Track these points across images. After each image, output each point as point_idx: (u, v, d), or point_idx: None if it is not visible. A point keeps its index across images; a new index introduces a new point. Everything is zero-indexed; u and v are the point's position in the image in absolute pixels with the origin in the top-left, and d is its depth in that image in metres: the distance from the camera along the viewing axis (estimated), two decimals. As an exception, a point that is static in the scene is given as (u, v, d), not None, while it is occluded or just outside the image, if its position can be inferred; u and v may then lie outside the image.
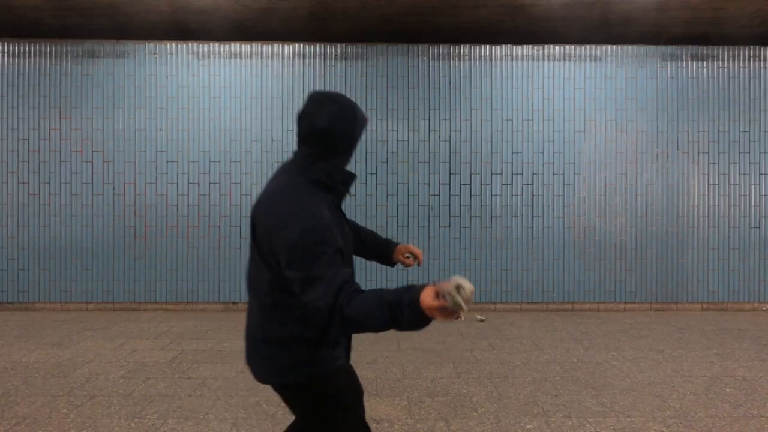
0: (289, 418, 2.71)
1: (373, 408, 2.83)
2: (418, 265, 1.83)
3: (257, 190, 5.58)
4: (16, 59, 5.54)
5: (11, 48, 5.53)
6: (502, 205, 5.64)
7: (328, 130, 1.40)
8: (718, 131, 5.70)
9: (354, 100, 5.60)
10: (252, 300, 1.50)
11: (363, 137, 5.61)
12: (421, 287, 1.19)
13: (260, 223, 1.41)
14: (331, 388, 1.46)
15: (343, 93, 5.66)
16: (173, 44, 5.59)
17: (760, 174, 5.69)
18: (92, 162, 5.54)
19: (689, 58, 5.70)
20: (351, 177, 1.50)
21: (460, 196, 5.63)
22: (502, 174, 5.66)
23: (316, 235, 1.30)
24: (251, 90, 5.61)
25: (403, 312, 1.18)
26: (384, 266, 5.47)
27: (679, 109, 5.69)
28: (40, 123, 5.53)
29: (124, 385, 3.18)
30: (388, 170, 5.60)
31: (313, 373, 1.43)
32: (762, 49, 5.71)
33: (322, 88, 5.62)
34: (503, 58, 5.68)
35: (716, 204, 5.68)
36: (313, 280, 1.27)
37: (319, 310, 1.26)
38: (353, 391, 1.54)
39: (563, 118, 5.67)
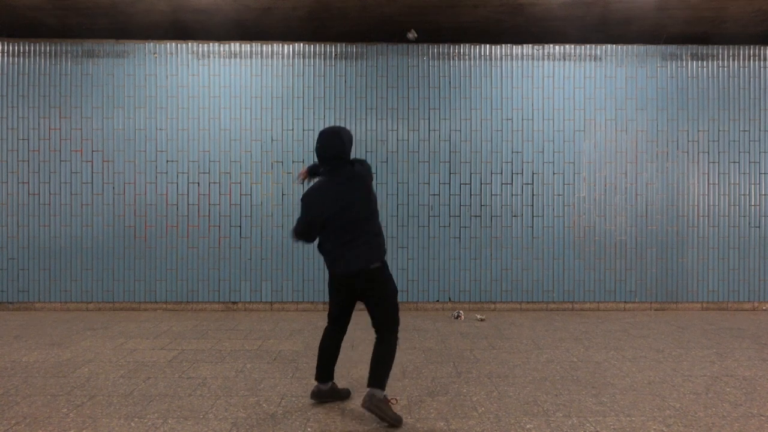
0: (289, 417, 2.71)
1: (373, 407, 2.83)
2: None
3: (257, 189, 5.58)
4: (16, 59, 5.54)
5: (11, 48, 5.53)
6: (502, 205, 5.64)
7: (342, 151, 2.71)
8: (718, 131, 5.70)
9: (354, 99, 5.61)
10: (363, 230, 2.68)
11: (363, 137, 5.62)
12: None
13: (359, 192, 2.67)
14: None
15: (343, 93, 5.70)
16: (173, 44, 5.59)
17: (760, 173, 5.69)
18: (92, 162, 5.54)
19: (689, 58, 5.69)
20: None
21: (460, 195, 5.63)
22: (502, 173, 5.66)
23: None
24: (251, 90, 5.61)
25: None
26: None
27: (679, 109, 5.69)
28: (39, 123, 5.53)
29: (124, 385, 3.18)
30: (388, 170, 5.60)
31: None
32: (762, 48, 5.71)
33: (322, 88, 5.62)
34: (503, 57, 5.68)
35: (716, 203, 5.68)
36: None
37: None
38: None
39: (563, 117, 5.67)
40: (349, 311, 2.82)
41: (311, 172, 2.91)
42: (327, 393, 2.86)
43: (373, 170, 5.58)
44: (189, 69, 5.59)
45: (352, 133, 5.61)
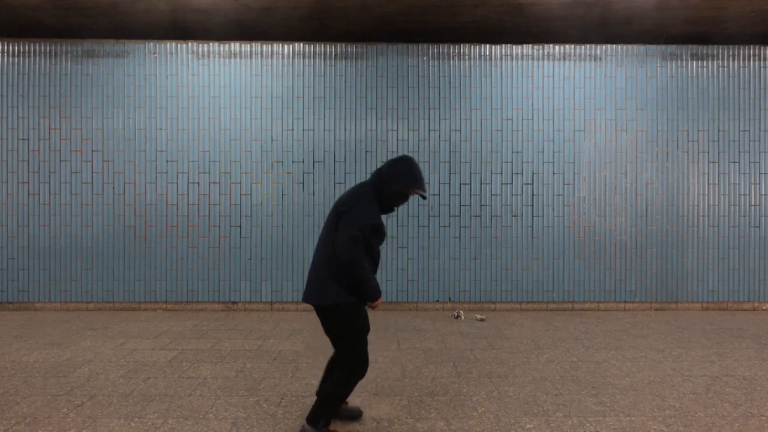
0: (289, 417, 2.71)
1: (373, 407, 2.83)
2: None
3: (257, 189, 5.58)
4: (16, 59, 5.53)
5: (11, 48, 5.53)
6: (502, 205, 5.64)
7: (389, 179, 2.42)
8: (718, 130, 5.70)
9: (354, 99, 5.61)
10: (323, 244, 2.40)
11: (363, 137, 5.62)
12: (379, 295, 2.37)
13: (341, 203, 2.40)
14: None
15: (343, 93, 5.67)
16: (173, 44, 5.58)
17: (759, 173, 5.69)
18: (92, 162, 5.54)
19: (689, 58, 5.69)
20: (391, 210, 2.54)
21: (460, 195, 5.63)
22: (501, 173, 5.66)
23: (370, 211, 2.34)
24: (251, 90, 5.61)
25: (371, 290, 2.32)
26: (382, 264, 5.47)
27: (679, 109, 5.69)
28: (39, 122, 5.53)
29: (124, 385, 3.18)
30: (388, 170, 5.59)
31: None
32: (762, 48, 5.71)
33: (322, 88, 5.62)
34: (503, 57, 5.68)
35: (716, 203, 5.68)
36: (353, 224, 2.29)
37: (341, 241, 2.27)
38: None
39: (563, 117, 5.67)
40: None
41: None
42: (340, 414, 2.66)
43: (373, 170, 5.57)
44: (189, 69, 5.59)
45: (353, 133, 5.61)
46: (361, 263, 2.24)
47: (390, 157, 5.61)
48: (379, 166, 2.55)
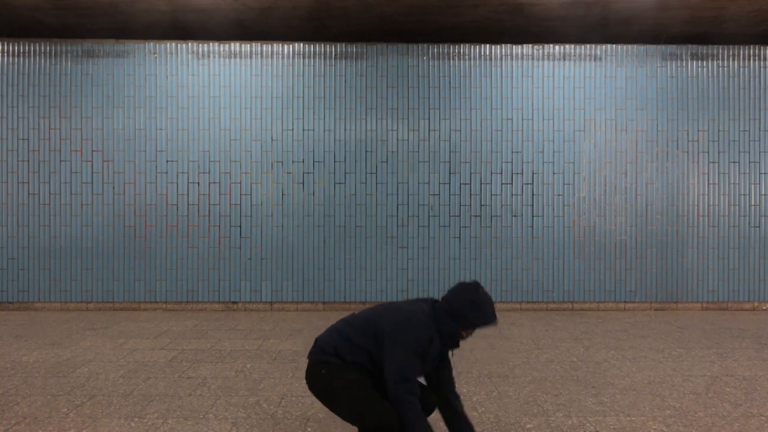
0: (289, 417, 2.71)
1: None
2: None
3: (257, 189, 5.58)
4: (16, 59, 5.53)
5: (11, 48, 5.53)
6: (502, 205, 5.64)
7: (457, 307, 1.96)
8: (718, 130, 5.70)
9: (354, 99, 5.61)
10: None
11: (363, 137, 5.62)
12: None
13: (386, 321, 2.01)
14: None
15: (343, 93, 5.67)
16: (173, 44, 5.58)
17: (759, 173, 5.69)
18: (92, 162, 5.54)
19: (689, 58, 5.69)
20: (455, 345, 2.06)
21: (460, 195, 5.63)
22: (501, 173, 5.66)
23: (417, 347, 1.92)
24: (251, 90, 5.61)
25: None
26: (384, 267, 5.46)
27: (679, 109, 5.69)
28: (39, 122, 5.53)
29: (124, 385, 3.18)
30: (388, 170, 5.60)
31: None
32: (762, 48, 5.71)
33: (322, 88, 5.62)
34: (503, 57, 5.68)
35: (716, 203, 5.68)
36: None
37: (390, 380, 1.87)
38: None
39: (563, 117, 5.67)
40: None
41: None
42: None
43: (373, 170, 5.59)
44: (189, 69, 5.59)
45: (353, 133, 5.61)
46: (404, 404, 1.83)
47: (390, 157, 5.60)
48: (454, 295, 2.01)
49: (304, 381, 3.25)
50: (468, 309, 1.92)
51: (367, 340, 1.97)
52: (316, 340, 2.09)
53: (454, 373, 3.47)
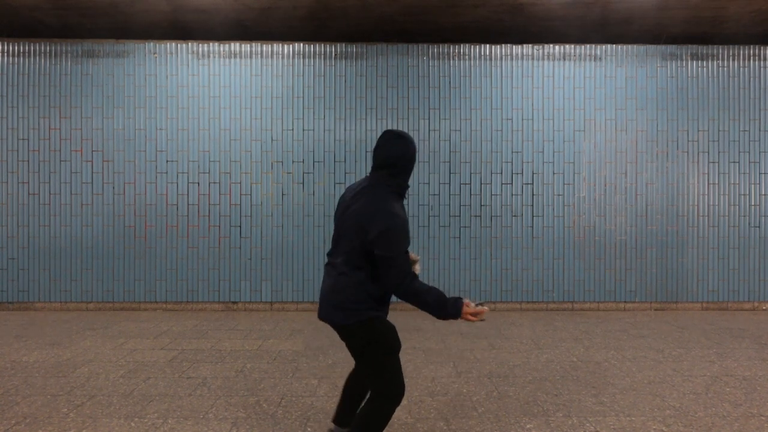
0: (289, 417, 2.71)
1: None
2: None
3: (257, 189, 5.58)
4: (16, 59, 5.53)
5: (11, 48, 5.53)
6: (502, 205, 5.64)
7: (399, 159, 2.00)
8: (718, 130, 5.70)
9: (354, 99, 5.61)
10: (335, 269, 2.03)
11: (363, 137, 5.62)
12: (461, 301, 1.92)
13: (357, 218, 1.95)
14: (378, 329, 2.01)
15: (343, 93, 5.67)
16: (173, 44, 5.58)
17: (759, 173, 5.69)
18: (92, 162, 5.54)
19: (689, 58, 5.69)
20: (408, 187, 2.10)
21: (459, 195, 5.63)
22: (501, 173, 5.66)
23: (405, 230, 1.93)
24: (251, 90, 5.61)
25: (447, 307, 1.90)
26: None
27: (679, 109, 5.69)
28: (39, 123, 5.53)
29: (124, 385, 3.18)
30: (388, 170, 5.59)
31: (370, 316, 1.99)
32: (762, 48, 5.71)
33: (322, 88, 5.62)
34: (503, 57, 5.68)
35: (716, 203, 5.68)
36: (400, 260, 1.89)
37: (394, 282, 1.89)
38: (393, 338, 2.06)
39: (563, 117, 5.67)
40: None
41: None
42: None
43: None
44: (189, 69, 5.59)
45: (353, 133, 5.61)
46: (414, 290, 1.89)
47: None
48: (381, 153, 2.01)
49: (304, 380, 3.25)
50: (410, 159, 2.02)
51: (361, 259, 1.96)
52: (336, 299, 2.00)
53: (453, 368, 3.47)
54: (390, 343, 2.03)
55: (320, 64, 5.63)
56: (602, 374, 3.43)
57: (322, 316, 2.04)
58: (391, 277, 1.89)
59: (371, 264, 1.95)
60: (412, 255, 2.21)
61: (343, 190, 5.59)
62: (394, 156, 2.00)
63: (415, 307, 2.05)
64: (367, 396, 2.16)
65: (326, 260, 2.21)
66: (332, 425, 2.34)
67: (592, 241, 5.65)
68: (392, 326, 2.07)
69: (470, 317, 1.91)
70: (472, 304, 1.92)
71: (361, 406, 2.20)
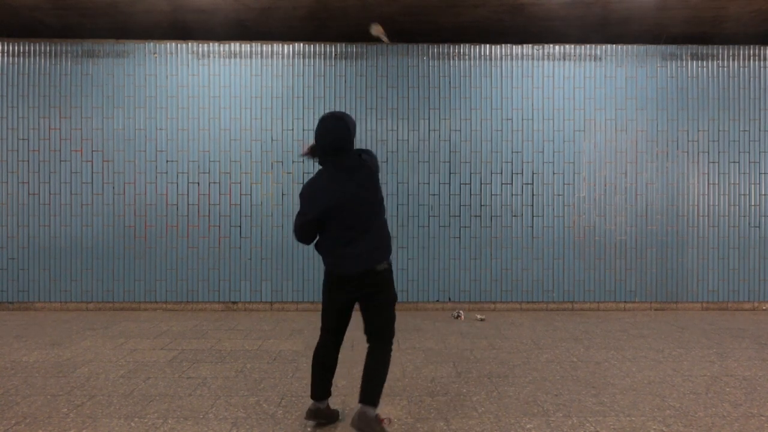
0: (289, 417, 2.71)
1: (373, 407, 2.83)
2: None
3: (257, 189, 5.58)
4: (16, 59, 5.53)
5: (11, 48, 5.53)
6: (502, 205, 5.64)
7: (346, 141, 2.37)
8: (718, 130, 5.70)
9: (354, 99, 5.61)
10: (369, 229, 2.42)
11: (363, 137, 5.62)
12: None
13: (366, 191, 2.42)
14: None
15: (343, 93, 5.68)
16: (173, 44, 5.58)
17: (759, 173, 5.69)
18: (92, 162, 5.54)
19: (689, 58, 5.69)
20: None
21: (459, 195, 5.63)
22: (501, 173, 5.66)
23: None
24: (251, 90, 5.61)
25: None
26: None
27: (679, 109, 5.69)
28: (39, 123, 5.53)
29: (124, 385, 3.18)
30: (387, 170, 5.60)
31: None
32: (762, 48, 5.71)
33: (322, 88, 5.62)
34: (503, 57, 5.68)
35: (716, 203, 5.68)
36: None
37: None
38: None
39: (563, 117, 5.67)
40: (347, 319, 2.52)
41: (314, 152, 2.48)
42: (325, 413, 2.54)
43: (373, 170, 5.57)
44: (189, 69, 5.59)
45: (352, 133, 5.60)
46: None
47: (389, 157, 5.60)
48: (346, 146, 2.38)
49: (305, 380, 3.25)
50: (351, 136, 2.40)
51: (381, 215, 2.54)
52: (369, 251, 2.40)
53: (453, 368, 3.47)
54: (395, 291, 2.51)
55: (320, 64, 5.63)
56: (602, 374, 3.43)
57: (364, 266, 2.37)
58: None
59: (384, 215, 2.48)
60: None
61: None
62: (341, 138, 2.33)
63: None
64: (370, 352, 2.45)
65: (337, 239, 2.41)
66: (315, 403, 2.53)
67: (592, 241, 5.65)
68: None
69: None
70: None
71: (366, 362, 2.41)
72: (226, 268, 5.56)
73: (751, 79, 5.71)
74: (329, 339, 2.53)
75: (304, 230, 2.42)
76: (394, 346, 4.05)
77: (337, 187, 2.33)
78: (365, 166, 2.37)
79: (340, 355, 2.59)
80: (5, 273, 5.51)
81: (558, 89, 5.68)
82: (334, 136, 2.31)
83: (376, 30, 1.91)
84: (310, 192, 2.39)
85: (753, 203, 5.69)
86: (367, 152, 2.44)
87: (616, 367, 3.60)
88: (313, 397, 2.53)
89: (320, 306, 2.61)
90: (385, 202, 2.57)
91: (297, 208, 2.52)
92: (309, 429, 2.57)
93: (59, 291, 5.52)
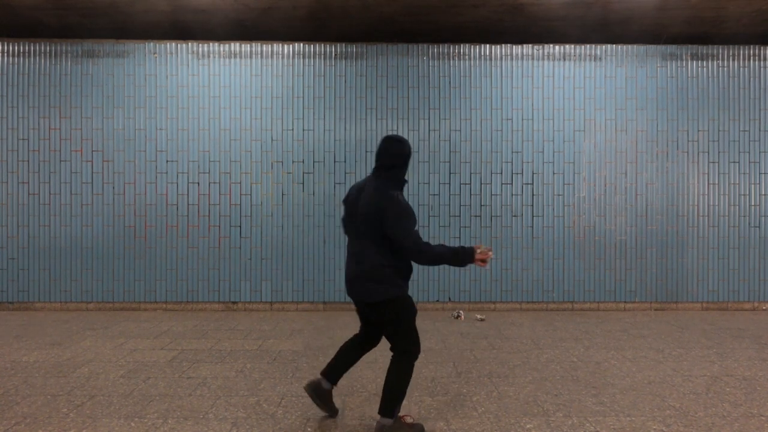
0: (289, 417, 2.71)
1: (374, 407, 2.83)
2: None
3: (257, 189, 5.58)
4: (16, 59, 5.53)
5: (11, 48, 5.53)
6: (502, 205, 5.64)
7: (398, 159, 2.45)
8: (718, 130, 5.70)
9: (354, 99, 5.61)
10: (361, 250, 2.42)
11: (363, 137, 5.62)
12: (471, 248, 2.43)
13: (369, 207, 2.38)
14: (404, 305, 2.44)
15: (343, 93, 5.67)
16: (173, 44, 5.58)
17: (759, 173, 5.69)
18: (92, 162, 5.54)
19: (689, 58, 5.69)
20: (406, 181, 2.57)
21: (459, 195, 5.63)
22: (501, 173, 5.66)
23: (409, 210, 2.41)
24: (251, 90, 5.61)
25: (458, 255, 2.41)
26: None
27: (679, 109, 5.69)
28: (39, 123, 5.53)
29: (124, 385, 3.18)
30: (388, 170, 5.59)
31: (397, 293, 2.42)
32: (762, 48, 5.71)
33: (322, 88, 5.62)
34: (503, 57, 5.68)
35: (716, 203, 5.68)
36: (407, 232, 2.38)
37: (408, 248, 2.37)
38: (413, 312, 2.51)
39: (563, 117, 5.67)
40: (372, 327, 2.62)
41: None
42: (323, 394, 2.62)
43: (373, 170, 5.57)
44: (189, 69, 5.59)
45: (353, 133, 5.61)
46: (427, 252, 2.40)
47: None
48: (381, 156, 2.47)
49: (304, 380, 3.25)
50: (405, 157, 2.47)
51: (382, 239, 2.42)
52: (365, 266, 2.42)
53: (453, 368, 3.47)
54: (414, 310, 2.50)
55: (320, 64, 5.63)
56: (602, 374, 3.43)
57: (356, 296, 2.45)
58: (406, 246, 2.37)
59: (390, 242, 2.39)
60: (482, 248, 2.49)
61: (343, 191, 5.59)
62: (393, 155, 2.44)
63: (433, 264, 2.43)
64: (391, 363, 2.51)
65: (348, 250, 2.55)
66: (320, 377, 2.65)
67: (592, 241, 5.65)
68: (410, 296, 2.50)
69: (480, 263, 2.41)
70: (483, 247, 2.41)
71: (388, 373, 2.47)
72: (226, 268, 5.56)
73: (751, 79, 5.71)
74: (360, 334, 2.68)
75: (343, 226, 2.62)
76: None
77: (357, 195, 2.49)
78: (383, 192, 2.37)
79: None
80: (5, 273, 5.51)
81: (558, 89, 5.68)
82: (382, 151, 2.46)
83: None
84: (348, 192, 2.61)
85: (753, 203, 5.69)
86: (389, 195, 2.37)
87: (616, 367, 3.60)
88: (322, 372, 2.66)
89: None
90: (399, 239, 2.39)
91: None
92: (309, 429, 2.57)
93: (59, 291, 5.52)
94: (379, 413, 2.42)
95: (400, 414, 2.54)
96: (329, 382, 2.64)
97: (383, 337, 2.61)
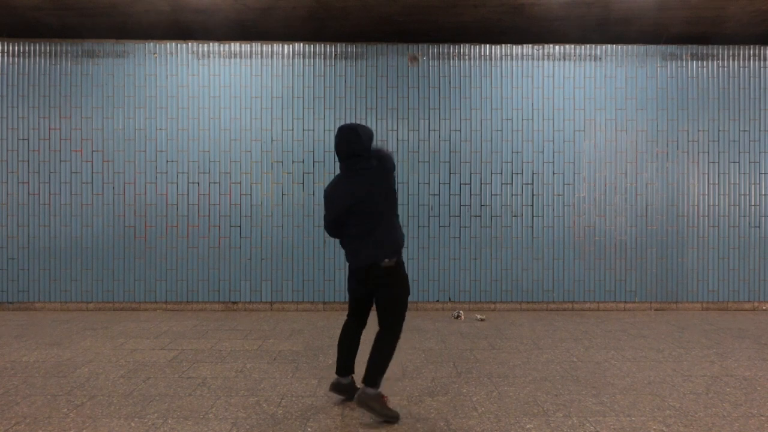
0: (289, 417, 2.71)
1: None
2: None
3: (257, 189, 5.58)
4: (16, 59, 5.53)
5: (11, 48, 5.53)
6: (502, 205, 5.64)
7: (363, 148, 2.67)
8: (718, 130, 5.70)
9: (354, 99, 5.61)
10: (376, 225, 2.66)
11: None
12: None
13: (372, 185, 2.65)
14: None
15: (343, 93, 5.67)
16: (173, 44, 5.58)
17: (759, 173, 5.69)
18: (92, 162, 5.54)
19: (689, 58, 5.69)
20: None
21: (459, 195, 5.63)
22: (501, 173, 5.66)
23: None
24: (251, 90, 5.61)
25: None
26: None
27: (679, 109, 5.69)
28: (39, 123, 5.53)
29: (124, 385, 3.18)
30: (388, 170, 5.59)
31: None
32: (762, 48, 5.71)
33: (322, 88, 5.62)
34: (503, 57, 5.68)
35: (716, 203, 5.68)
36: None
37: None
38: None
39: (563, 117, 5.67)
40: (366, 305, 2.87)
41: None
42: (346, 387, 2.85)
43: (373, 170, 5.57)
44: (189, 69, 5.59)
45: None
46: None
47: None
48: (363, 151, 2.67)
49: (304, 380, 3.25)
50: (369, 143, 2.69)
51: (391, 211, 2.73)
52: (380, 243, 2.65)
53: (453, 368, 3.47)
54: (408, 284, 2.75)
55: (320, 64, 5.63)
56: (602, 374, 3.43)
57: (368, 260, 2.64)
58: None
59: (395, 214, 2.70)
60: None
61: (343, 190, 5.58)
62: (354, 144, 2.62)
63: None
64: (376, 338, 2.70)
65: (351, 235, 2.73)
66: (337, 377, 2.86)
67: (592, 241, 5.65)
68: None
69: None
70: None
71: (372, 346, 2.67)
72: (226, 268, 5.56)
73: (751, 79, 5.71)
74: (351, 321, 2.93)
75: (330, 228, 2.81)
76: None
77: (350, 189, 2.63)
78: (378, 168, 2.63)
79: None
80: (5, 273, 5.51)
81: (558, 89, 5.68)
82: (349, 146, 2.62)
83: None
84: (328, 194, 2.74)
85: (753, 203, 5.69)
86: (380, 154, 2.66)
87: (616, 367, 3.60)
88: (336, 372, 2.88)
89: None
90: (398, 195, 2.72)
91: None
92: (309, 429, 2.57)
93: (59, 291, 5.52)
94: (363, 382, 2.61)
95: (383, 395, 2.69)
96: (345, 377, 2.86)
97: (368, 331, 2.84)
